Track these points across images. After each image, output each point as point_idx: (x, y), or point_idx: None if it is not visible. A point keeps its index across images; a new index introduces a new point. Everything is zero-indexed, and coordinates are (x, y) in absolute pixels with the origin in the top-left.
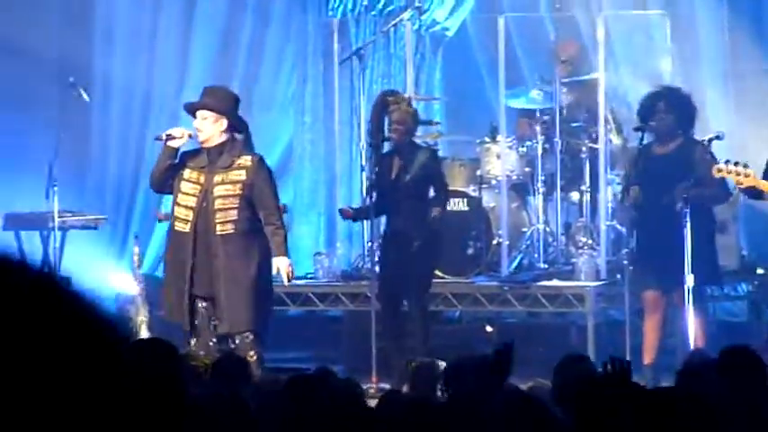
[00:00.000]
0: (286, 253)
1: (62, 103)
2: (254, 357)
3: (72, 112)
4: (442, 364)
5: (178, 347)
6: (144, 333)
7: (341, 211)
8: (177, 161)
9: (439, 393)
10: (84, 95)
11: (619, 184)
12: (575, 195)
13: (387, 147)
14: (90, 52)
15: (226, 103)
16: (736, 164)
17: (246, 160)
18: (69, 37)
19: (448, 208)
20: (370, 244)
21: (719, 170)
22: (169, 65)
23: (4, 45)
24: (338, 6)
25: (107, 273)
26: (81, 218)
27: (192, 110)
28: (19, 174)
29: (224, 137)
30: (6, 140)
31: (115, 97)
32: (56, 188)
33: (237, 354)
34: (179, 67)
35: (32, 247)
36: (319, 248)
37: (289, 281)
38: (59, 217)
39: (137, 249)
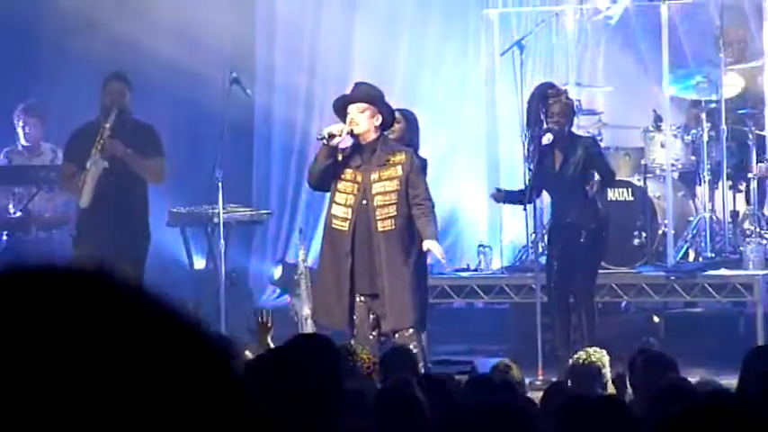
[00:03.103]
0: (436, 237)
1: (225, 97)
2: (415, 351)
3: (235, 107)
4: (605, 358)
5: (335, 343)
6: (309, 327)
7: (492, 195)
8: (334, 160)
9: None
10: (247, 91)
11: None
12: (741, 183)
13: (547, 139)
14: (252, 47)
15: (380, 97)
16: None
17: (401, 156)
18: (234, 29)
19: (613, 197)
20: (533, 236)
21: None
22: (331, 61)
23: (171, 37)
24: None
25: (272, 268)
26: (245, 212)
27: (346, 103)
28: (183, 169)
29: (377, 133)
30: (171, 136)
31: (278, 92)
32: (220, 183)
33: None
34: (341, 63)
35: (198, 242)
36: (483, 240)
37: (443, 259)
38: (224, 212)
39: (301, 244)
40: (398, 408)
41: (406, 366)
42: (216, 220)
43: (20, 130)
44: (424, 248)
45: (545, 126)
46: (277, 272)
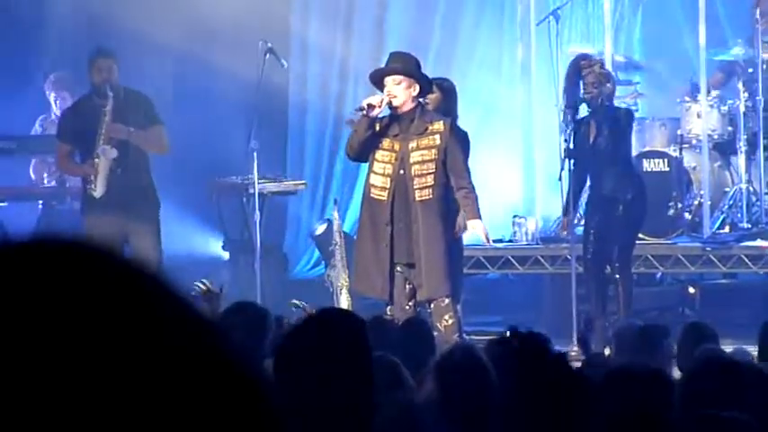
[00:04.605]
0: (479, 215)
1: (259, 68)
2: (450, 322)
3: (269, 78)
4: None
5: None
6: (344, 298)
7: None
8: (373, 131)
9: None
10: (282, 61)
11: None
12: None
13: (583, 110)
14: (286, 19)
15: (416, 67)
16: None
17: (439, 125)
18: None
19: (648, 168)
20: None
21: None
22: (365, 32)
23: (203, 13)
24: None
25: (306, 238)
26: (280, 183)
27: (383, 75)
28: (218, 141)
29: (415, 102)
30: (205, 108)
31: (312, 62)
32: (255, 154)
33: (429, 319)
34: (375, 34)
35: (232, 214)
36: (518, 211)
37: (488, 241)
38: (259, 183)
39: (337, 215)
40: (462, 374)
41: (422, 340)
42: (251, 190)
43: (52, 102)
44: (470, 228)
45: (580, 96)
46: (320, 228)
